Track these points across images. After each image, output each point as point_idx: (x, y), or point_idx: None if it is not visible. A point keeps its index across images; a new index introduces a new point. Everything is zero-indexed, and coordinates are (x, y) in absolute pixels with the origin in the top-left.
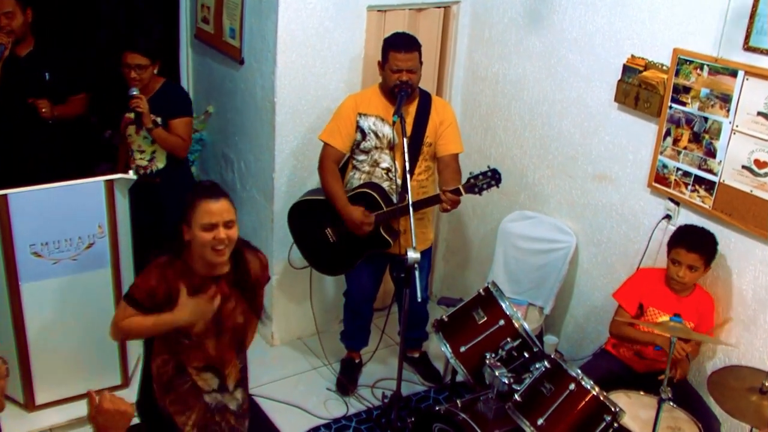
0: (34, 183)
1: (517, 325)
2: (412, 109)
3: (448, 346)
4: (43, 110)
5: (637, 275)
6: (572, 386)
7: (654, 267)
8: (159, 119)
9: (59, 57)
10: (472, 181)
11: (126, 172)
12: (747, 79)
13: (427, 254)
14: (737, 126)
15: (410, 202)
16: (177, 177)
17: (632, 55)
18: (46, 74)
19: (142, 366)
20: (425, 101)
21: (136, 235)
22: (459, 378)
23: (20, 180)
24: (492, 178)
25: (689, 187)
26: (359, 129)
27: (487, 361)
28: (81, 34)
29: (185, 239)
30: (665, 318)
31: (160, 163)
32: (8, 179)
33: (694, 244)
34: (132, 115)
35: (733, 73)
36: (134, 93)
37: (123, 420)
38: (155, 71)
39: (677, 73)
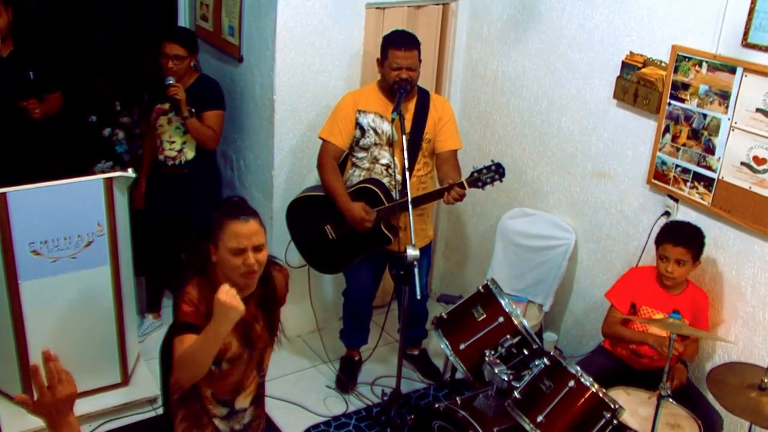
0: (33, 182)
1: (516, 322)
2: (411, 106)
3: (447, 343)
4: (36, 111)
5: (629, 274)
6: (572, 383)
7: (646, 265)
8: (194, 110)
9: (40, 55)
10: (475, 175)
11: (151, 164)
12: (746, 76)
13: (426, 251)
14: (736, 123)
15: (410, 199)
16: (204, 168)
17: (631, 52)
18: (30, 73)
19: (160, 378)
20: (424, 98)
21: (155, 226)
22: (458, 375)
23: (18, 179)
24: (496, 172)
25: (688, 184)
26: (358, 126)
27: (487, 359)
28: (86, 31)
29: (212, 259)
30: (659, 317)
31: (189, 154)
32: (5, 178)
33: (680, 238)
34: (166, 105)
35: (732, 70)
36: (171, 81)
37: (69, 401)
38: (192, 64)
39: (676, 70)
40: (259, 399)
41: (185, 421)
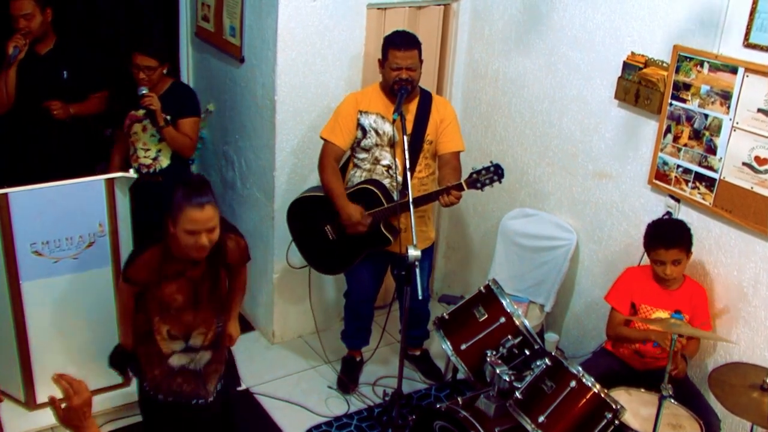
0: (35, 182)
1: (518, 322)
2: (412, 107)
3: (449, 343)
4: (55, 112)
5: (625, 275)
6: (573, 383)
7: (641, 265)
8: (169, 118)
9: (79, 55)
10: (474, 176)
11: (123, 170)
12: (747, 76)
13: (428, 253)
14: (737, 123)
15: (411, 199)
16: (180, 176)
17: (632, 52)
18: (64, 72)
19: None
20: (426, 99)
21: (137, 234)
22: (460, 375)
23: (32, 178)
24: (494, 173)
25: (690, 184)
26: (360, 126)
27: (488, 359)
28: (87, 32)
29: (169, 231)
30: (659, 314)
31: (164, 162)
32: (20, 176)
33: (671, 241)
34: (140, 113)
35: (734, 70)
36: (144, 92)
37: (88, 407)
38: (164, 72)
39: (677, 70)
40: (218, 345)
41: (145, 357)
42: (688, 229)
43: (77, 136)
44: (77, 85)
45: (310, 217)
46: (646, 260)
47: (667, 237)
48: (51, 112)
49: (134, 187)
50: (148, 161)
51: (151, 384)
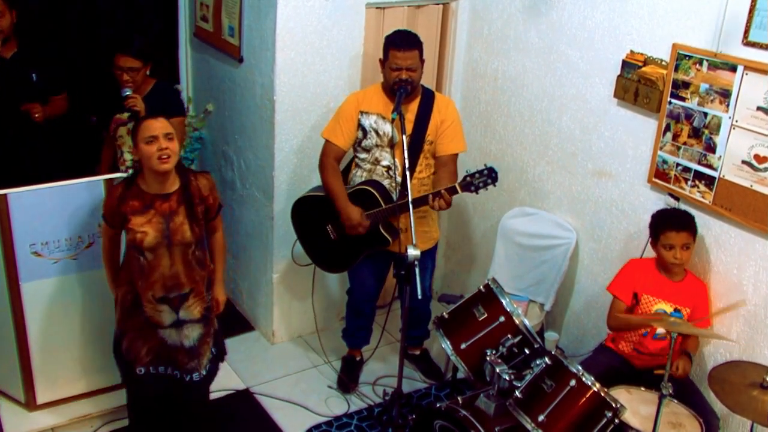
0: (34, 183)
1: (517, 321)
2: (413, 107)
3: (448, 342)
4: (36, 115)
5: (628, 266)
6: (573, 382)
7: (645, 257)
8: None
9: (44, 57)
10: (468, 179)
11: (113, 172)
12: (746, 74)
13: (431, 253)
14: (737, 121)
15: (411, 200)
16: None
17: (631, 51)
18: (33, 75)
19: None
20: (428, 99)
21: None
22: (460, 375)
23: (19, 180)
24: (488, 176)
25: (689, 183)
26: (360, 127)
27: (488, 358)
28: (87, 32)
29: (135, 160)
30: (661, 305)
31: None
32: (6, 180)
33: (681, 224)
34: (125, 116)
35: (733, 68)
36: (128, 93)
37: None
38: (147, 72)
39: (676, 69)
40: (207, 319)
41: (133, 332)
42: (693, 216)
43: (56, 137)
44: (46, 86)
45: (312, 217)
46: (647, 254)
47: (679, 220)
48: (31, 115)
49: None
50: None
51: (142, 360)
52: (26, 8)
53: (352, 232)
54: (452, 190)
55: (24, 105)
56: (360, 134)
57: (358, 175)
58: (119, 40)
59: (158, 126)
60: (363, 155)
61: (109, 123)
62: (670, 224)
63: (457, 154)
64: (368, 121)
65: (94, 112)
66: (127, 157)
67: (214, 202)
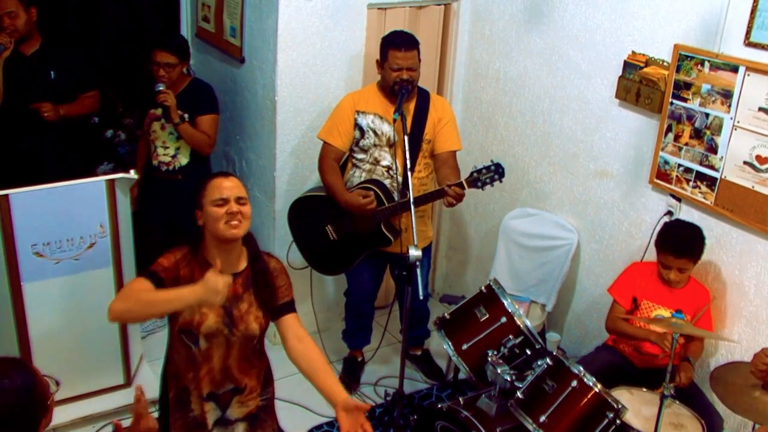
0: (36, 183)
1: (519, 322)
2: (410, 107)
3: (450, 343)
4: (45, 114)
5: (630, 269)
6: (574, 383)
7: (647, 261)
8: (186, 115)
9: (65, 55)
10: (475, 175)
11: (143, 169)
12: (748, 75)
13: (427, 252)
14: (738, 122)
15: (411, 199)
16: (198, 174)
17: (633, 52)
18: (52, 73)
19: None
20: (423, 99)
21: (148, 230)
22: (461, 375)
23: (23, 180)
24: (495, 172)
25: (691, 183)
26: (357, 127)
27: (490, 359)
28: (88, 32)
29: (199, 225)
30: (660, 311)
31: (183, 160)
32: (11, 179)
33: (681, 250)
34: (158, 111)
35: (734, 69)
36: (161, 88)
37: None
38: (183, 70)
39: (678, 69)
40: (256, 419)
41: (180, 428)
42: (703, 239)
43: (69, 137)
44: (65, 85)
45: (311, 217)
46: (647, 260)
47: (680, 246)
48: (41, 114)
49: (153, 184)
50: (167, 159)
51: None
52: (52, 6)
53: (363, 212)
54: (460, 186)
55: (34, 103)
56: (357, 134)
57: (357, 176)
58: (158, 36)
59: (229, 185)
60: (361, 155)
61: (143, 119)
62: (669, 247)
63: (455, 151)
64: (365, 121)
65: (106, 119)
66: (160, 152)
67: (288, 289)
